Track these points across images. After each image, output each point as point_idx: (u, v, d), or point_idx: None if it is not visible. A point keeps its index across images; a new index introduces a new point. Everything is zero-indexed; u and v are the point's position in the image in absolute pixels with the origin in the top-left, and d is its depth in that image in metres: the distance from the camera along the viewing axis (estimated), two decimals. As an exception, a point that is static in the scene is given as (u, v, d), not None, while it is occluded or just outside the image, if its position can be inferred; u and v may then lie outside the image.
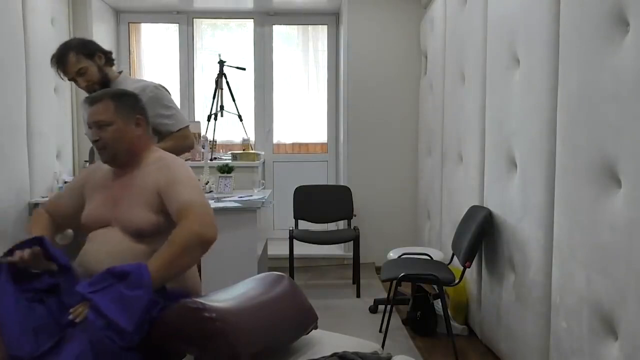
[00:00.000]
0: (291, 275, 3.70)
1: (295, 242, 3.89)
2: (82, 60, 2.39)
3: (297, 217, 4.25)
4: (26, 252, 1.67)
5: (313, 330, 1.78)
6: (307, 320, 1.76)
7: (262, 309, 1.62)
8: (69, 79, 2.43)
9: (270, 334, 1.59)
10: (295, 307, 1.73)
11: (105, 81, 2.44)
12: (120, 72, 2.56)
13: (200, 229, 1.69)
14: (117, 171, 1.92)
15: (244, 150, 4.60)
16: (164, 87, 2.60)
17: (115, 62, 2.56)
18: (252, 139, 4.96)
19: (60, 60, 2.38)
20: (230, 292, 1.71)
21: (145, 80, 2.59)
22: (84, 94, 2.36)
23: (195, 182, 1.87)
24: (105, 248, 1.78)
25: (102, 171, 1.97)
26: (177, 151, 2.44)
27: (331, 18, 5.02)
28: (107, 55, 2.50)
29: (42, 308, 1.61)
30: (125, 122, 1.87)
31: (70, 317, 1.52)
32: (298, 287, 1.81)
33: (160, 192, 1.79)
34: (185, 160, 4.42)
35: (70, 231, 2.45)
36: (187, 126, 2.60)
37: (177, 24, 4.97)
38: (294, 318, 1.70)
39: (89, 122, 1.86)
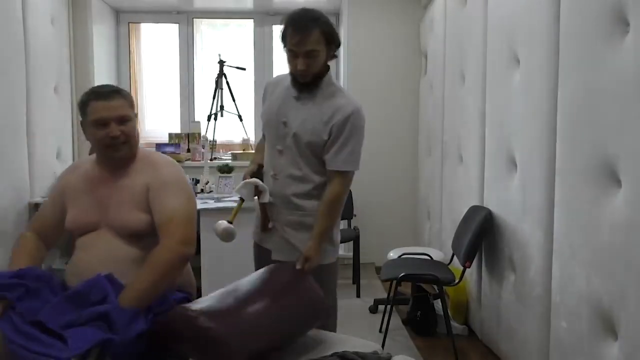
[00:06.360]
0: (291, 275, 3.69)
1: (295, 242, 3.88)
2: (321, 43, 1.93)
3: (297, 217, 4.23)
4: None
5: (313, 330, 1.78)
6: (318, 311, 1.76)
7: (266, 306, 1.62)
8: (291, 50, 1.93)
9: (276, 331, 1.59)
10: (304, 298, 1.74)
11: (320, 75, 2.01)
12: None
13: (181, 248, 1.68)
14: (101, 172, 1.84)
15: (244, 150, 4.60)
16: None
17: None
18: (252, 139, 4.96)
19: (307, 29, 1.89)
20: (232, 291, 1.71)
21: (348, 96, 2.07)
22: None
23: (183, 184, 1.83)
24: (98, 255, 1.73)
25: (81, 173, 1.89)
26: (341, 201, 2.00)
27: (331, 18, 4.98)
28: (337, 50, 2.05)
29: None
30: (135, 118, 1.86)
31: None
32: (306, 276, 1.82)
33: (149, 192, 1.76)
34: (186, 160, 4.45)
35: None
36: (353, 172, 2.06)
37: (177, 24, 4.96)
38: (301, 310, 1.70)
39: (108, 117, 1.75)
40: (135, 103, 1.93)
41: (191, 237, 1.74)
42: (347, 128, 1.98)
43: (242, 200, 2.01)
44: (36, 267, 1.76)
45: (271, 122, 2.07)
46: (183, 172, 1.89)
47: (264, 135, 2.21)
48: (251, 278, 1.80)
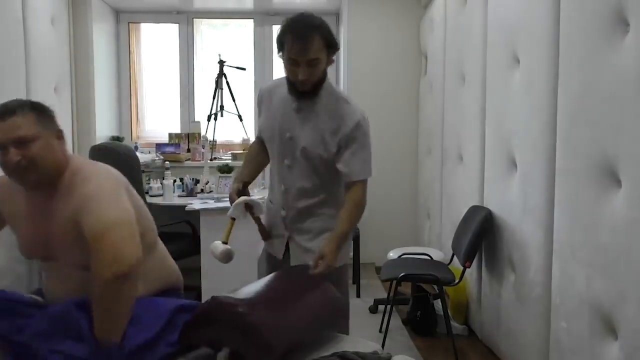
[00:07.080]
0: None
1: (295, 242, 3.88)
2: (322, 50, 1.83)
3: (297, 217, 4.23)
4: None
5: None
6: (337, 311, 1.79)
7: (291, 304, 1.65)
8: (291, 58, 1.82)
9: (301, 328, 1.61)
10: (324, 298, 1.76)
11: (319, 82, 1.91)
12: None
13: (110, 269, 1.39)
14: (32, 195, 1.60)
15: (244, 150, 4.60)
16: None
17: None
18: (252, 139, 4.95)
19: (308, 37, 1.79)
20: (260, 286, 1.73)
21: (350, 102, 2.01)
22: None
23: (109, 192, 1.54)
24: (59, 286, 1.62)
25: (17, 191, 1.63)
26: (363, 206, 2.07)
27: (331, 18, 5.02)
28: (335, 53, 1.93)
29: None
30: (50, 135, 1.55)
31: None
32: (327, 283, 1.83)
33: (79, 219, 1.49)
34: (186, 160, 4.45)
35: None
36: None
37: (177, 24, 4.96)
38: (320, 309, 1.73)
39: (2, 141, 1.48)
40: (54, 116, 1.60)
41: (121, 250, 1.42)
42: (358, 138, 1.95)
43: (233, 219, 1.99)
44: (1, 290, 1.65)
45: (275, 138, 2.01)
46: (113, 179, 1.62)
47: (253, 145, 2.18)
48: (269, 279, 1.83)
